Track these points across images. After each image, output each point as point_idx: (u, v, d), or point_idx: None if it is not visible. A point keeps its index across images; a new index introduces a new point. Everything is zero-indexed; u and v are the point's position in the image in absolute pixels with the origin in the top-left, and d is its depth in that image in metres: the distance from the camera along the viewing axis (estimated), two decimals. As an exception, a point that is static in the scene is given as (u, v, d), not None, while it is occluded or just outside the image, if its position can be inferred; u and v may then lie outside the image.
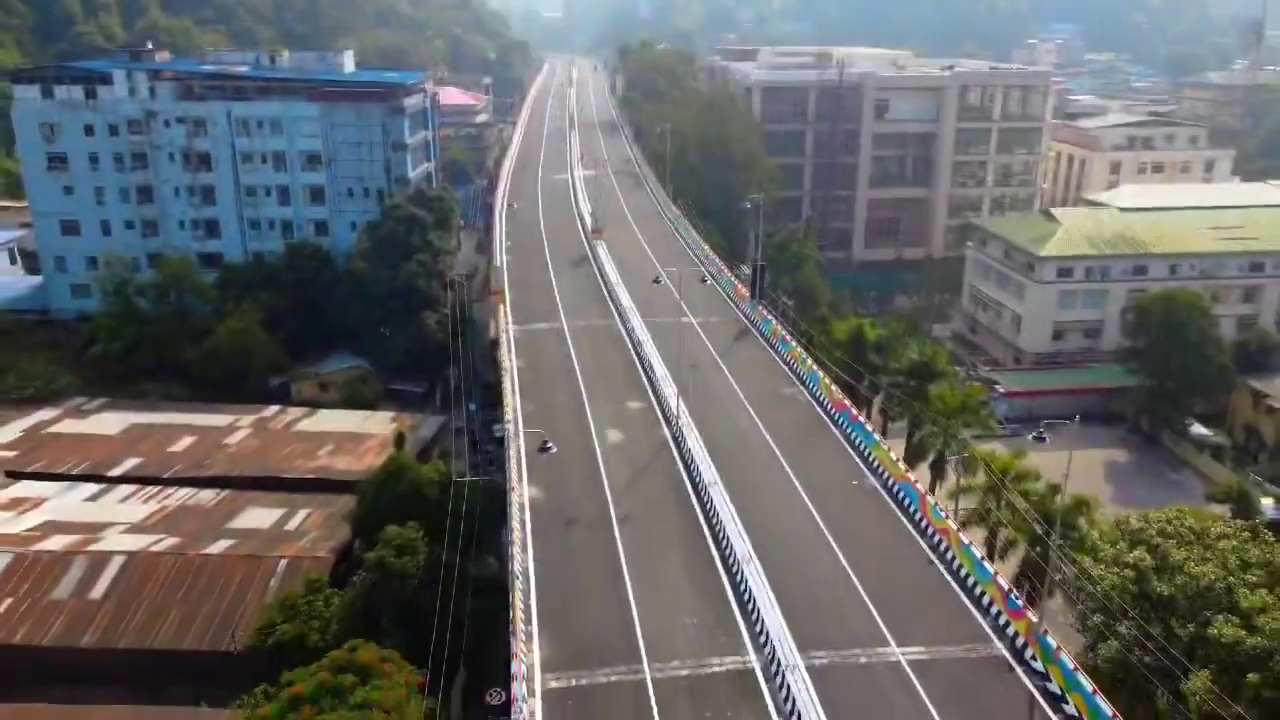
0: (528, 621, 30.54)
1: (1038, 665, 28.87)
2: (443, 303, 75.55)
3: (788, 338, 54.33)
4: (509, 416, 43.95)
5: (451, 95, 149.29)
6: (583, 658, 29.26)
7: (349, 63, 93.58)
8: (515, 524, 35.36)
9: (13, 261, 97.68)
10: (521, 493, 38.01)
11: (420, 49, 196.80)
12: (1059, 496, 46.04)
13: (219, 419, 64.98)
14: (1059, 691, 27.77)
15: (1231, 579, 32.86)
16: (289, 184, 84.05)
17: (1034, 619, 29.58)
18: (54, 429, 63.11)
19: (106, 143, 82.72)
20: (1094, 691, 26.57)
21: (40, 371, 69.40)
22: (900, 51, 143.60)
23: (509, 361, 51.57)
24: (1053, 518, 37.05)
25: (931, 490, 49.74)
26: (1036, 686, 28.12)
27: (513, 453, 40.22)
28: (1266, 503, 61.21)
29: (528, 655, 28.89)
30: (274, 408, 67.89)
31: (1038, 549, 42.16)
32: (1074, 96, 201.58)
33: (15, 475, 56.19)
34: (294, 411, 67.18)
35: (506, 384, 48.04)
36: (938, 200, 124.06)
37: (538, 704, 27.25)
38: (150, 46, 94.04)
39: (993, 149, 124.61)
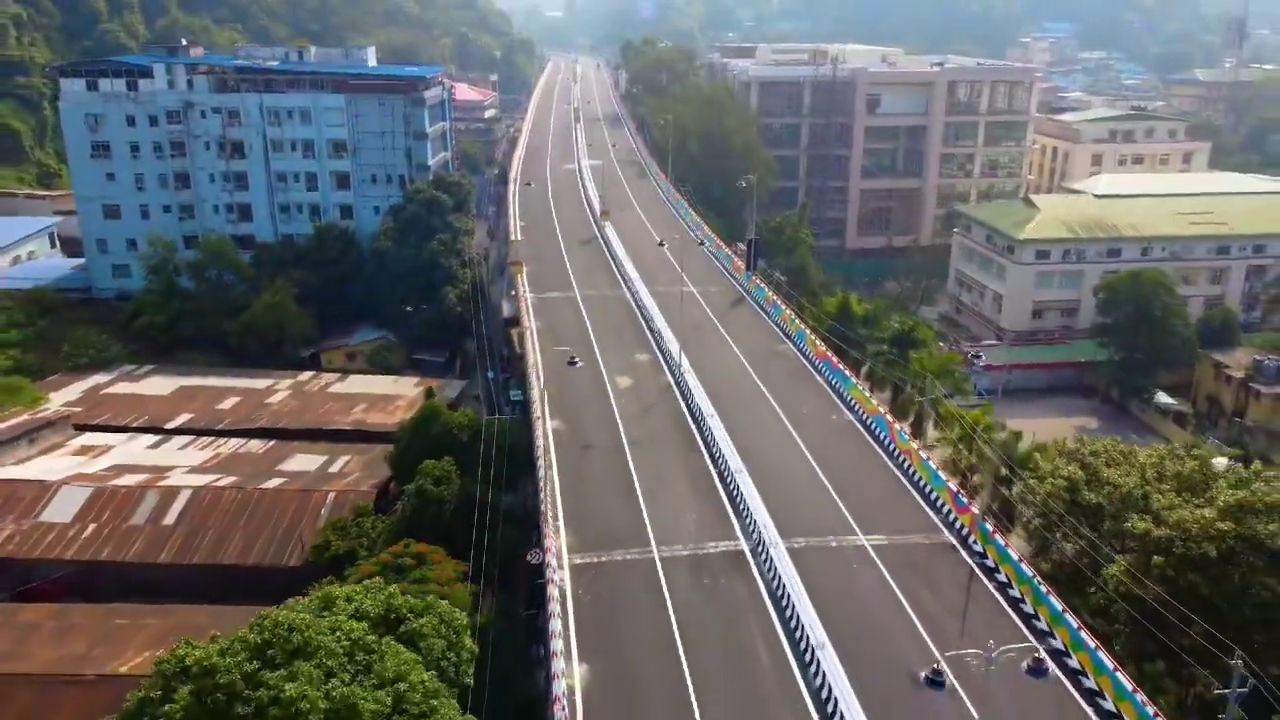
0: (555, 518, 36.58)
1: (978, 548, 34.90)
2: (462, 279, 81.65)
3: (780, 303, 60.33)
4: (530, 363, 50.00)
5: (461, 91, 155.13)
6: (601, 543, 35.37)
7: (371, 58, 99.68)
8: (541, 446, 41.34)
9: (52, 245, 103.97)
10: (546, 423, 44.01)
11: (428, 47, 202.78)
12: (1019, 442, 52.59)
13: (259, 382, 71.03)
14: (993, 565, 33.81)
15: (1148, 487, 38.87)
16: (317, 171, 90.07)
17: (976, 512, 35.63)
18: (110, 390, 69.17)
19: (146, 132, 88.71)
20: (1020, 559, 32.61)
21: (93, 341, 75.40)
22: (891, 49, 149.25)
23: (529, 321, 57.61)
24: (1013, 456, 43.18)
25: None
26: (976, 563, 34.14)
27: (536, 393, 46.16)
28: (1219, 461, 67.15)
29: (556, 541, 34.94)
30: (308, 373, 74.00)
31: (1003, 488, 48.31)
32: (1065, 93, 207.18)
33: (81, 428, 62.21)
34: (327, 376, 73.30)
35: (528, 340, 54.07)
36: (927, 190, 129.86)
37: (566, 574, 33.28)
38: (184, 43, 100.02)
39: (980, 141, 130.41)
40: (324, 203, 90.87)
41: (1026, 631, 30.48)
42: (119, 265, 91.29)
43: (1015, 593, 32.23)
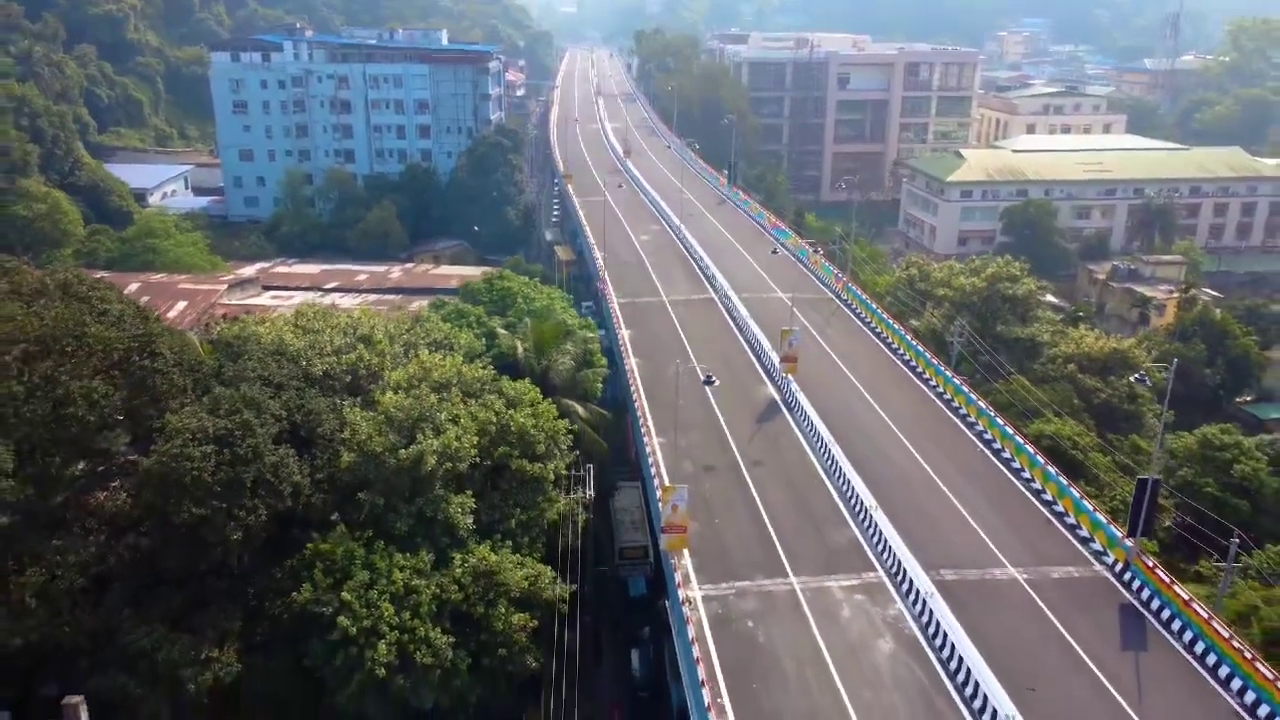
0: (608, 285, 64.40)
1: (848, 300, 62.51)
2: (519, 204, 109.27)
3: (749, 199, 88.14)
4: (586, 229, 77.78)
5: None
6: (634, 294, 63.31)
7: (444, 38, 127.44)
8: (600, 265, 69.07)
9: (186, 187, 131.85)
10: (599, 254, 71.70)
11: (462, 36, 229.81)
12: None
13: (378, 268, 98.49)
14: (853, 305, 61.42)
15: (943, 276, 66.31)
16: (405, 123, 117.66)
17: (848, 283, 63.36)
18: (274, 270, 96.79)
19: (275, 93, 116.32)
20: (868, 300, 60.21)
21: (255, 241, 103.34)
22: (861, 36, 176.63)
23: (582, 212, 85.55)
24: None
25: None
26: (842, 303, 61.70)
27: (593, 240, 73.84)
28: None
29: (610, 291, 62.71)
30: (411, 264, 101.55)
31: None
32: (1032, 80, 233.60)
33: (266, 288, 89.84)
34: (425, 265, 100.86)
35: (583, 219, 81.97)
36: (889, 154, 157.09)
37: (616, 306, 60.90)
38: (299, 25, 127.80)
39: (932, 113, 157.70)
40: (409, 148, 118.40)
41: (860, 325, 58.18)
42: (249, 197, 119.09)
43: (866, 318, 59.83)
